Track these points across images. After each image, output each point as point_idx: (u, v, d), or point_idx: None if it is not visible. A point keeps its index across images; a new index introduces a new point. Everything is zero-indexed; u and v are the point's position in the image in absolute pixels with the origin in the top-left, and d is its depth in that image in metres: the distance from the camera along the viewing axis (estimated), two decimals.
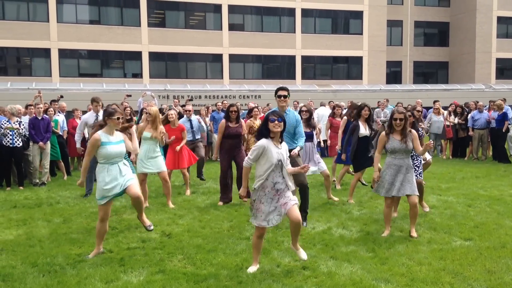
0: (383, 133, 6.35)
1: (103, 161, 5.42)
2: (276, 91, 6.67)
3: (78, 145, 9.64)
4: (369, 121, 8.46)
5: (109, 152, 5.37)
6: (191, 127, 10.14)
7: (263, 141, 4.91)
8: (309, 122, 8.21)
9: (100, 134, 5.41)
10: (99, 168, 5.46)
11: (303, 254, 5.16)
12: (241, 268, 5.12)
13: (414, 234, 6.23)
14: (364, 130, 8.34)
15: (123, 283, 4.76)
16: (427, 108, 16.51)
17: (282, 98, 6.58)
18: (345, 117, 9.57)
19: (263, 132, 4.95)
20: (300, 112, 8.26)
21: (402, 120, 6.15)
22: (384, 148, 6.37)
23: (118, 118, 5.46)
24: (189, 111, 10.39)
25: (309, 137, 7.86)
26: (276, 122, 4.86)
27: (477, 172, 11.77)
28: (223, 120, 8.52)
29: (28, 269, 5.15)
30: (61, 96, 14.08)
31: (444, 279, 4.76)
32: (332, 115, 10.19)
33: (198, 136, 10.28)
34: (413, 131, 6.30)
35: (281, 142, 5.00)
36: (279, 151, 4.92)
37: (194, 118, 10.39)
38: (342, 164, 9.68)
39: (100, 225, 5.56)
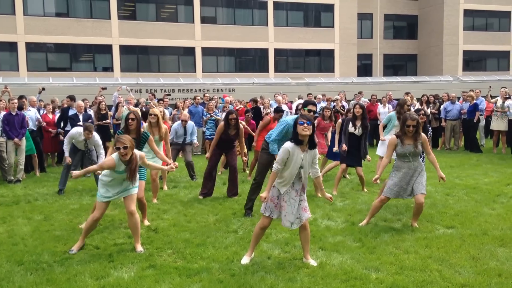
0: (394, 137, 6.23)
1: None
2: (306, 104, 6.67)
3: (66, 154, 8.93)
4: (363, 120, 8.44)
5: (115, 177, 5.50)
6: (184, 133, 9.90)
7: (289, 145, 4.79)
8: None
9: (115, 159, 5.37)
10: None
11: (312, 262, 5.04)
12: (232, 261, 5.13)
13: (414, 224, 6.33)
14: (352, 128, 8.40)
15: (114, 279, 4.70)
16: (398, 100, 16.79)
17: (312, 113, 6.52)
18: (339, 120, 9.40)
19: (294, 136, 4.82)
20: (297, 110, 8.25)
21: (415, 127, 6.09)
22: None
23: (118, 148, 5.30)
24: (185, 121, 9.97)
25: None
26: (305, 125, 4.70)
27: (451, 162, 12.06)
28: (222, 123, 8.28)
29: (14, 267, 5.03)
30: (43, 89, 13.71)
31: (432, 267, 4.88)
32: (322, 117, 10.15)
33: (187, 141, 9.99)
34: (423, 134, 6.23)
35: (309, 147, 4.85)
36: (304, 156, 4.82)
37: (190, 123, 10.03)
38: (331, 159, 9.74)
39: (90, 223, 5.50)
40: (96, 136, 8.73)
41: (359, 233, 6.05)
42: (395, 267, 4.90)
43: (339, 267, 4.93)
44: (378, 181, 6.22)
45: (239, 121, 8.41)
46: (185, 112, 10.54)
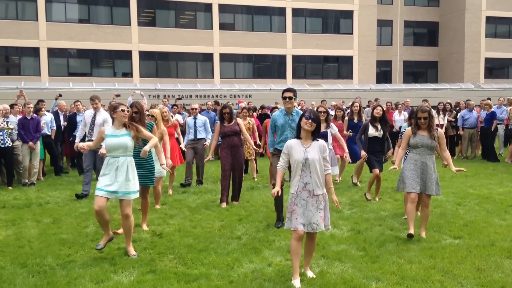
0: (409, 129, 6.29)
1: (108, 154, 5.54)
2: (282, 92, 6.70)
3: (77, 140, 9.00)
4: (382, 122, 8.44)
5: (108, 143, 5.47)
6: (194, 125, 9.98)
7: (288, 141, 4.84)
8: (326, 121, 8.26)
9: (107, 128, 5.62)
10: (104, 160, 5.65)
11: (309, 274, 4.90)
12: (233, 268, 5.11)
13: (423, 234, 6.20)
14: (373, 130, 8.37)
15: (113, 283, 4.73)
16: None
17: (287, 99, 6.62)
18: (346, 118, 9.64)
19: (297, 128, 4.86)
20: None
21: (426, 119, 6.07)
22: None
23: (122, 110, 5.54)
24: (195, 109, 10.16)
25: (323, 137, 7.78)
26: (310, 121, 4.67)
27: (466, 171, 11.81)
28: (219, 123, 8.44)
29: (17, 270, 5.11)
30: (60, 95, 13.93)
31: (434, 277, 4.79)
32: (334, 118, 10.18)
33: (200, 136, 9.96)
34: (440, 129, 6.26)
35: (313, 140, 4.77)
36: (308, 149, 4.72)
37: (200, 116, 10.18)
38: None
39: (96, 217, 5.50)
40: (105, 112, 9.01)
41: (364, 242, 5.98)
42: (397, 277, 4.82)
43: (339, 276, 4.87)
44: (397, 168, 6.27)
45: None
46: (195, 105, 10.52)
